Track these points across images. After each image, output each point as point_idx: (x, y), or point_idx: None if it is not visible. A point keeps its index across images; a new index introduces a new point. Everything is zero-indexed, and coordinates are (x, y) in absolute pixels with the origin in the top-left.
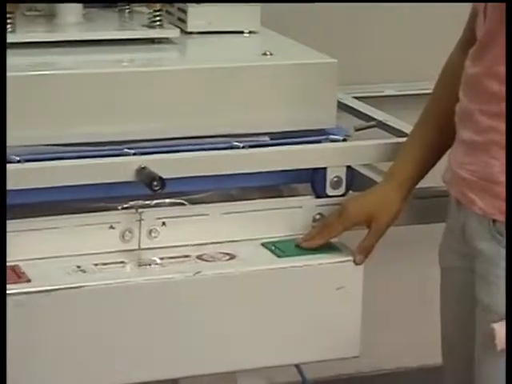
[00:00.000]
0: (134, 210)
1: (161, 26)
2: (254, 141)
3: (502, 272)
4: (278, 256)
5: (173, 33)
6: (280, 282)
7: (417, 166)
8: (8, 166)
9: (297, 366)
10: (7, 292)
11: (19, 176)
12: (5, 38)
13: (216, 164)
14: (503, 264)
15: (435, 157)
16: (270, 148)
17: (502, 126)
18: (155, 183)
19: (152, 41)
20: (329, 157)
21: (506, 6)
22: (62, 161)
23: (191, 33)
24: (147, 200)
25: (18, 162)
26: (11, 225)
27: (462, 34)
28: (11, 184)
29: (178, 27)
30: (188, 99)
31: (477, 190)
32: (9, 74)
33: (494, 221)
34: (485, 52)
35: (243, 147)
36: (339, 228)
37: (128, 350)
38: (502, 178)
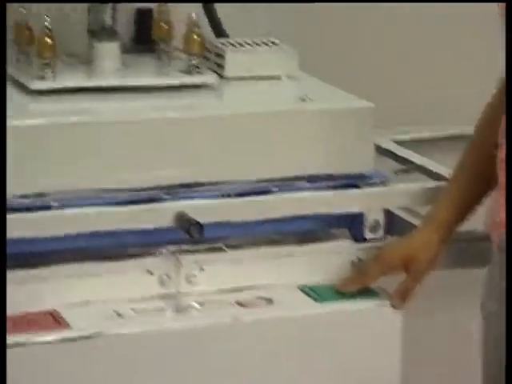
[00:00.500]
0: (172, 256)
1: (199, 71)
2: (291, 185)
3: None
4: (316, 301)
5: (211, 78)
6: (318, 327)
7: (456, 209)
8: (48, 212)
9: None
10: (48, 339)
11: (59, 221)
12: (5, 39)
13: (254, 209)
14: None
15: (475, 201)
16: (307, 192)
17: None
18: (193, 229)
19: (190, 86)
20: (367, 201)
21: (506, 6)
22: (101, 207)
23: (229, 78)
24: (185, 245)
25: (58, 207)
26: (51, 270)
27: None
28: (52, 230)
29: (216, 73)
30: (226, 144)
31: None
32: (48, 120)
33: None
34: None
35: (281, 192)
36: (376, 273)
37: None
38: None
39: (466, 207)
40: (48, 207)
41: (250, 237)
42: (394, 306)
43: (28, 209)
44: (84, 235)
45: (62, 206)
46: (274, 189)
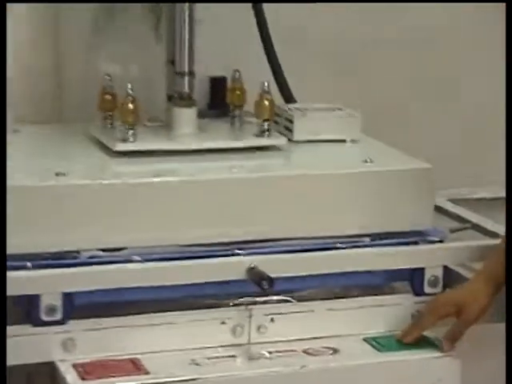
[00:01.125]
0: (244, 307)
1: (269, 135)
2: (355, 242)
3: None
4: (379, 350)
5: (280, 141)
6: (381, 376)
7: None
8: (130, 265)
9: None
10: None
11: (141, 275)
12: (5, 39)
13: (321, 264)
14: None
15: None
16: (370, 249)
17: None
18: (264, 282)
19: (262, 148)
20: (426, 257)
21: (506, 6)
22: (179, 261)
23: (297, 141)
24: (257, 297)
25: (140, 261)
26: (133, 320)
27: None
28: (134, 282)
29: (285, 136)
30: (294, 203)
31: None
32: (130, 179)
33: None
34: None
35: (346, 248)
36: (430, 322)
37: None
38: None
39: None
40: (130, 261)
41: (317, 289)
42: (442, 350)
43: (111, 262)
44: (164, 287)
45: (144, 260)
46: (340, 245)
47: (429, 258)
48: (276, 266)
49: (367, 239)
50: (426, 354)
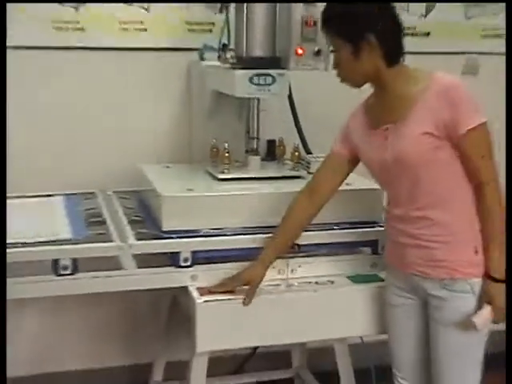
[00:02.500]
0: (284, 259)
1: (297, 169)
2: (344, 226)
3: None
4: (354, 282)
5: (303, 173)
6: (356, 296)
7: (274, 253)
8: (222, 237)
9: None
10: (223, 298)
11: (230, 244)
12: (5, 39)
13: (324, 237)
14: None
15: (285, 249)
16: (350, 230)
17: None
18: (295, 246)
19: (293, 177)
20: (377, 233)
21: (506, 6)
22: (244, 235)
23: (311, 173)
24: (292, 254)
25: (231, 235)
26: (225, 265)
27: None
28: (228, 245)
29: (306, 171)
30: None
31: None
32: (225, 193)
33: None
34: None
35: (336, 229)
36: (229, 286)
37: (281, 326)
38: None
39: (279, 251)
40: (224, 234)
41: (323, 251)
42: (244, 303)
43: (217, 235)
44: (244, 248)
45: (227, 234)
46: (335, 227)
47: (379, 233)
48: (302, 239)
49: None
50: (373, 284)
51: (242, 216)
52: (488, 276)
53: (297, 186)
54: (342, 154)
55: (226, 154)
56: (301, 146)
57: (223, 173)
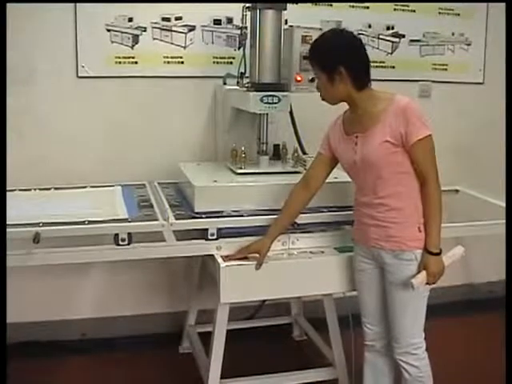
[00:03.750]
0: (287, 234)
1: (296, 167)
2: (334, 209)
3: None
4: (340, 252)
5: (301, 169)
6: (342, 263)
7: (279, 229)
8: (240, 218)
9: None
10: (242, 263)
11: (248, 222)
12: (5, 39)
13: (316, 217)
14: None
15: (287, 226)
16: (337, 212)
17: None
18: (295, 224)
19: (293, 172)
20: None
21: (506, 6)
22: (256, 216)
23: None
24: (292, 230)
25: (248, 216)
26: (243, 239)
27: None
28: (244, 223)
29: (302, 167)
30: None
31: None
32: (242, 184)
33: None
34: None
35: (324, 211)
36: (244, 253)
37: (284, 284)
38: None
39: (282, 228)
40: (241, 215)
41: (315, 228)
42: (256, 268)
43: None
44: (257, 226)
45: (246, 215)
46: (323, 210)
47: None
48: (299, 218)
49: (335, 208)
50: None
51: (255, 201)
52: (426, 249)
53: (296, 179)
54: (326, 155)
55: (243, 155)
56: (299, 149)
57: (241, 168)
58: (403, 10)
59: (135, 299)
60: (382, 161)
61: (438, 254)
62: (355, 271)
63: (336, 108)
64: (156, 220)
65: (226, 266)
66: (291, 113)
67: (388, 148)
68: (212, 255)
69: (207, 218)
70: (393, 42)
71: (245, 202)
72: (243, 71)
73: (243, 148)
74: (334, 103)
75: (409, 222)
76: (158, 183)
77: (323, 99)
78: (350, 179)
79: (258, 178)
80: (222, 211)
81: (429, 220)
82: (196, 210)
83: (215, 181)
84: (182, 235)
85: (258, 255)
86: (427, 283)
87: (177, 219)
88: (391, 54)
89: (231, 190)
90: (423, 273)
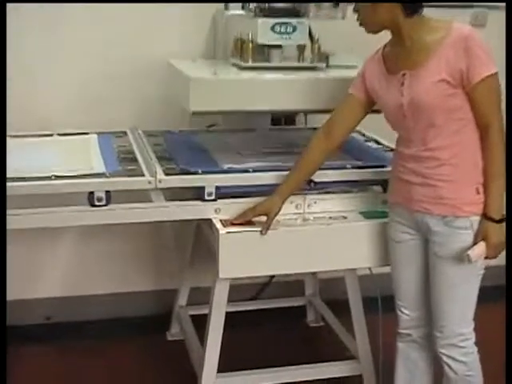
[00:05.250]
0: (302, 195)
1: (316, 62)
2: (356, 164)
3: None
4: (366, 218)
5: (322, 66)
6: (366, 230)
7: (290, 188)
8: (246, 174)
9: None
10: (245, 230)
11: (253, 179)
12: (5, 39)
13: (338, 175)
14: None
15: (301, 184)
16: (363, 169)
17: None
18: (312, 183)
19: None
20: (383, 174)
21: (506, 6)
22: (266, 172)
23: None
24: (308, 190)
25: (253, 171)
26: (247, 200)
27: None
28: (250, 182)
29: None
30: None
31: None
32: (247, 76)
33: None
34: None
35: (350, 168)
36: (249, 216)
37: (297, 257)
38: None
39: (294, 187)
40: (247, 171)
41: (337, 188)
42: (261, 232)
43: (240, 171)
44: (264, 185)
45: (254, 171)
46: (348, 166)
47: (386, 174)
48: (318, 175)
49: (360, 162)
50: (383, 220)
51: (264, 101)
52: (486, 215)
53: (316, 76)
54: (358, 97)
55: (250, 45)
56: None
57: (248, 62)
58: None
59: (112, 274)
60: (435, 104)
61: (501, 221)
62: (390, 242)
63: (370, 42)
64: (141, 176)
65: (227, 232)
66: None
67: (444, 89)
68: (209, 219)
69: (203, 173)
70: None
71: (251, 102)
72: None
73: (250, 35)
74: (375, 31)
75: (465, 181)
76: (144, 131)
77: (361, 24)
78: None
79: (268, 74)
80: (222, 166)
81: (490, 179)
82: (192, 109)
83: (215, 73)
84: (173, 195)
85: (265, 218)
86: (486, 257)
87: (166, 175)
88: None
89: (235, 86)
90: (481, 244)
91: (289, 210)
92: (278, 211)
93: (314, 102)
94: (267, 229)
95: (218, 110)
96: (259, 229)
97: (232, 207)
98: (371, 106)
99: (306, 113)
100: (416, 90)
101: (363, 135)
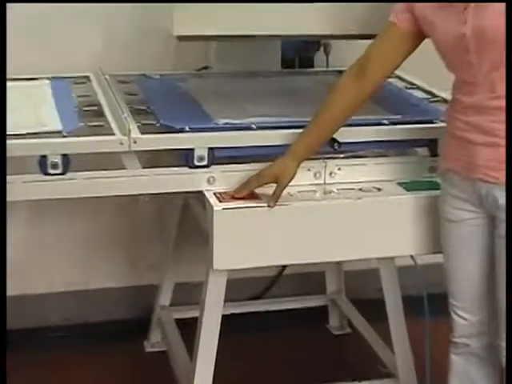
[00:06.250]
0: (322, 160)
1: None
2: (392, 119)
3: None
4: (407, 190)
5: None
6: (409, 207)
7: (307, 148)
8: (250, 131)
9: None
10: (247, 205)
11: (256, 138)
12: (5, 40)
13: (371, 133)
14: None
15: (320, 144)
16: (401, 126)
17: None
18: (336, 144)
19: None
20: (435, 131)
21: (506, 6)
22: (281, 130)
23: None
24: (330, 154)
25: (256, 129)
26: (251, 166)
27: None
28: (252, 142)
29: None
30: None
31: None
32: None
33: None
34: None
35: (387, 124)
36: (255, 184)
37: (314, 241)
38: None
39: (313, 147)
40: (250, 128)
41: (368, 151)
42: (269, 206)
43: (238, 129)
44: (272, 146)
45: (259, 128)
46: (384, 121)
47: (439, 131)
48: (344, 134)
49: (399, 116)
50: (431, 193)
51: (273, 22)
52: None
53: None
54: (404, 28)
55: None
56: None
57: None
58: None
59: (73, 266)
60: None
61: None
62: (442, 223)
63: None
64: (109, 134)
65: (223, 208)
66: None
67: None
68: (200, 192)
69: (192, 131)
70: None
71: (257, 24)
72: None
73: None
74: None
75: None
76: (112, 76)
77: None
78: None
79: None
80: (217, 122)
81: None
82: (176, 33)
83: None
84: (151, 161)
85: (274, 185)
86: None
87: (143, 133)
88: None
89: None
90: None
91: (305, 179)
92: (292, 178)
93: (342, 25)
94: (276, 200)
95: (212, 35)
96: (266, 204)
97: (230, 176)
98: (420, 40)
99: (328, 49)
100: (483, 16)
101: (404, 80)
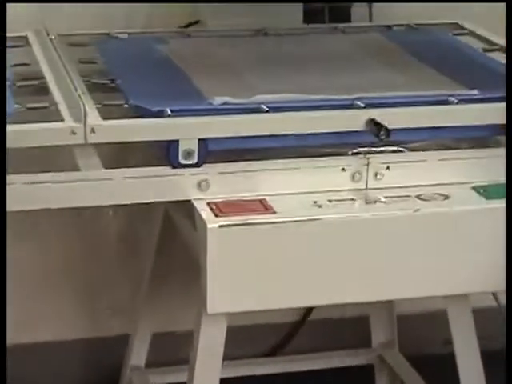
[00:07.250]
0: (362, 155)
1: None
2: (465, 96)
3: None
4: (486, 198)
5: None
6: (488, 221)
7: None
8: (262, 115)
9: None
10: (255, 221)
11: (271, 123)
12: (5, 40)
13: (434, 117)
14: None
15: None
16: (479, 104)
17: None
18: (382, 133)
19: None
20: None
21: (506, 6)
22: (303, 112)
23: None
24: (374, 147)
25: (267, 111)
26: (261, 164)
27: None
28: (261, 131)
29: None
30: None
31: None
32: None
33: None
34: None
35: (457, 102)
36: None
37: (352, 273)
38: None
39: None
40: (259, 110)
41: (430, 141)
42: None
43: (241, 111)
44: (288, 135)
45: (272, 110)
46: (451, 99)
47: None
48: (393, 118)
49: (475, 92)
50: None
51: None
52: None
53: None
54: None
55: None
56: None
57: None
58: None
59: (10, 313)
60: None
61: None
62: None
63: None
64: (57, 120)
65: (221, 226)
66: None
67: None
68: (188, 202)
69: (176, 114)
70: None
71: None
72: None
73: None
74: None
75: None
76: (60, 36)
77: None
78: None
79: None
80: (211, 102)
81: None
82: None
83: None
84: (117, 158)
85: None
86: None
87: (106, 119)
88: None
89: None
90: None
91: (339, 182)
92: None
93: None
94: None
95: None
96: (280, 220)
97: (230, 179)
98: None
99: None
100: None
101: (481, 39)
